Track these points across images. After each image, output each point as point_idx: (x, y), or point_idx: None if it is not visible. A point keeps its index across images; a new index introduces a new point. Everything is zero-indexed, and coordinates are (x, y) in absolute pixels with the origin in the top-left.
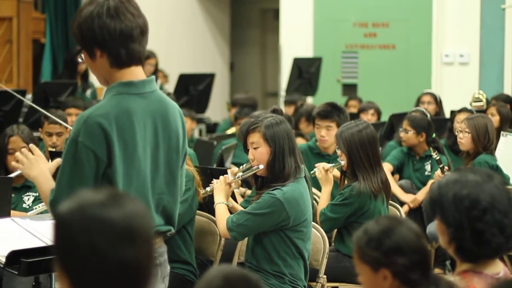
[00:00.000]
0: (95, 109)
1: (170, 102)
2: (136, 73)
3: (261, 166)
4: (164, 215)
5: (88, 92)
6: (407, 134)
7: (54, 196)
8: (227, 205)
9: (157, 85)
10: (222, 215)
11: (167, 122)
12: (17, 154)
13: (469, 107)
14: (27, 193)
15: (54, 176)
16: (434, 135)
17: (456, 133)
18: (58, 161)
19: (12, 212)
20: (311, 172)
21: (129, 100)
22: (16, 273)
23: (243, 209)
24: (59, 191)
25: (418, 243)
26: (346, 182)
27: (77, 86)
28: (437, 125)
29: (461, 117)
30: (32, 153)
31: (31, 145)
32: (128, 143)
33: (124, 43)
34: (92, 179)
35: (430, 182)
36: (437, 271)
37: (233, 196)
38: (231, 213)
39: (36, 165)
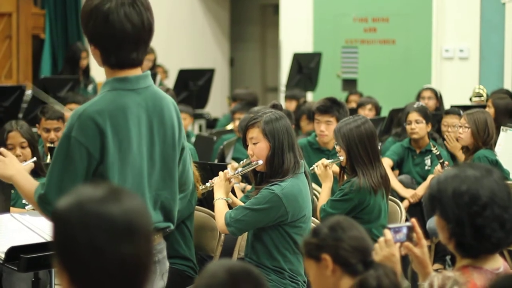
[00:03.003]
0: (89, 105)
1: (165, 97)
2: (131, 71)
3: (260, 162)
4: (162, 211)
5: (90, 88)
6: (419, 124)
7: (44, 191)
8: (227, 201)
9: (156, 81)
10: (221, 211)
11: (162, 117)
12: None
13: (467, 103)
14: None
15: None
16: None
17: (445, 135)
18: (31, 165)
19: (11, 208)
20: (310, 168)
21: (123, 96)
22: (16, 269)
23: (242, 204)
24: (50, 186)
25: (355, 230)
26: (345, 177)
27: (78, 81)
28: (437, 120)
29: (447, 120)
30: (4, 156)
31: (2, 149)
32: (122, 139)
33: (114, 50)
34: (82, 175)
35: (430, 177)
36: (437, 266)
37: (233, 191)
38: (230, 208)
39: (10, 165)
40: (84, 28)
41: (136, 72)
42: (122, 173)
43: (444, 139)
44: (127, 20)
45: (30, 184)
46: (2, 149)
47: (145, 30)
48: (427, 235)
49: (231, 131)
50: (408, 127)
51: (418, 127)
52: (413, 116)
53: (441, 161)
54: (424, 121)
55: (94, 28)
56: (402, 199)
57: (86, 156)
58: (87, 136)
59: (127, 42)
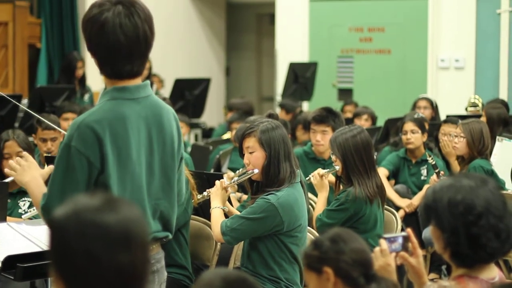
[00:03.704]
0: (88, 115)
1: (164, 106)
2: (130, 81)
3: (256, 171)
4: (161, 221)
5: (86, 97)
6: (414, 134)
7: (45, 201)
8: (223, 210)
9: (152, 90)
10: (217, 220)
11: (162, 127)
12: (10, 161)
13: (463, 112)
14: (23, 199)
15: (47, 182)
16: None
17: (441, 144)
18: (51, 167)
19: (7, 217)
20: (306, 178)
21: (123, 105)
22: (12, 278)
23: (239, 213)
24: (51, 196)
25: (356, 242)
26: (341, 187)
27: (74, 91)
28: (433, 130)
29: (445, 129)
30: (25, 160)
31: (24, 153)
32: (121, 148)
33: (108, 60)
34: (84, 185)
35: (425, 186)
36: (433, 276)
37: (229, 201)
38: (227, 217)
39: (28, 171)
40: (84, 37)
41: (136, 81)
42: (121, 182)
43: (440, 149)
44: (121, 31)
45: (40, 192)
46: (25, 153)
47: (140, 42)
48: (423, 244)
49: (227, 140)
50: (403, 137)
51: (413, 137)
52: (409, 126)
53: (436, 170)
54: (419, 131)
55: (90, 37)
56: (397, 208)
57: (87, 165)
58: (86, 145)
59: (121, 54)
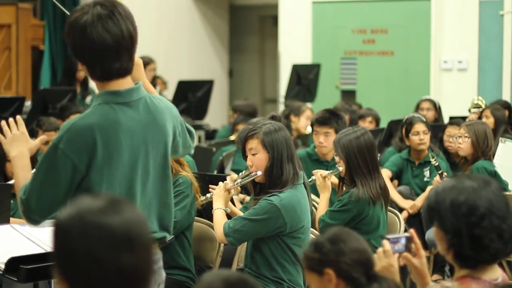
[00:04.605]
0: (80, 118)
1: (158, 106)
2: (121, 82)
3: (259, 173)
4: (158, 222)
5: (88, 99)
6: (426, 135)
7: (25, 196)
8: (226, 211)
9: (156, 92)
10: (219, 221)
11: (155, 129)
12: (3, 123)
13: (466, 114)
14: None
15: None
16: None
17: (446, 145)
18: (41, 138)
19: (11, 218)
20: (309, 179)
21: (115, 109)
22: (15, 279)
23: (241, 214)
24: (30, 192)
25: (355, 241)
26: (344, 188)
27: (76, 93)
28: (436, 131)
29: (451, 130)
30: (18, 128)
31: (18, 117)
32: (112, 152)
33: (96, 62)
34: (64, 187)
35: (429, 188)
36: (436, 277)
37: (232, 203)
38: (229, 219)
39: (17, 142)
40: (68, 43)
41: (127, 83)
42: (110, 185)
43: (445, 149)
44: (105, 31)
45: (23, 175)
46: (19, 118)
47: (125, 38)
48: (426, 245)
49: (230, 142)
50: (415, 137)
51: (426, 138)
52: (420, 127)
53: (439, 172)
54: (429, 133)
55: (74, 42)
56: (401, 210)
57: (71, 168)
58: (73, 150)
59: (108, 53)
